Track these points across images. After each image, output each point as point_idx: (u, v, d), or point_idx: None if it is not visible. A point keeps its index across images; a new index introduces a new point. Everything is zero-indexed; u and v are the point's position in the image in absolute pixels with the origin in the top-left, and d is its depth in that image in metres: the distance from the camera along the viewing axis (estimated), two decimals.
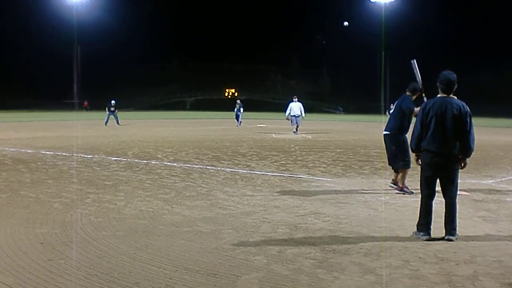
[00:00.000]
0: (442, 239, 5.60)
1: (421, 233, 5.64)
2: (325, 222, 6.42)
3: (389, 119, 8.78)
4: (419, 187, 6.02)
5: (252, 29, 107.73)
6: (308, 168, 11.82)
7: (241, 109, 32.94)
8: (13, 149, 15.43)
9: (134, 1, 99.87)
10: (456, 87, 5.72)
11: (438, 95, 5.79)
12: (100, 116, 37.93)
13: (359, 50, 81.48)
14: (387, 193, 8.49)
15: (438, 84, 5.77)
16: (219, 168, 11.49)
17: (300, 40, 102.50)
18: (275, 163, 12.56)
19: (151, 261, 4.81)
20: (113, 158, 13.22)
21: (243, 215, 6.72)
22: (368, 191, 8.70)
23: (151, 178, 9.94)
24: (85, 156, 13.76)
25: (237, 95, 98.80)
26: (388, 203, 7.66)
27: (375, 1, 62.33)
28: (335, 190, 8.79)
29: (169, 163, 12.33)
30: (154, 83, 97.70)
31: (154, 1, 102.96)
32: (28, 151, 15.04)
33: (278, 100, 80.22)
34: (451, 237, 5.57)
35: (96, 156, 13.75)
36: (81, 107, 70.49)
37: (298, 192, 8.53)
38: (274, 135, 23.62)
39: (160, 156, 13.99)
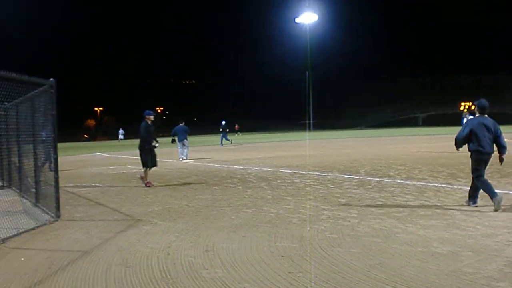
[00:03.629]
0: None
1: (470, 202, 8.35)
2: None
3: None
4: None
5: (486, 38, 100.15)
6: None
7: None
8: (256, 168, 16.89)
9: (359, 20, 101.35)
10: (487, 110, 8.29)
11: (476, 115, 8.37)
12: (325, 135, 39.02)
13: None
14: None
15: (476, 108, 8.42)
16: (455, 186, 10.90)
17: None
18: None
19: (385, 279, 4.80)
20: (345, 176, 13.53)
21: (484, 237, 6.26)
22: None
23: (383, 196, 9.91)
24: (320, 174, 14.35)
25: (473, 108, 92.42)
26: None
27: None
28: None
29: (401, 181, 12.13)
30: (385, 100, 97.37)
31: (381, 20, 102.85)
32: (269, 169, 16.29)
33: None
34: None
35: (329, 174, 14.23)
36: (314, 127, 73.76)
37: None
38: None
39: (392, 173, 13.85)
